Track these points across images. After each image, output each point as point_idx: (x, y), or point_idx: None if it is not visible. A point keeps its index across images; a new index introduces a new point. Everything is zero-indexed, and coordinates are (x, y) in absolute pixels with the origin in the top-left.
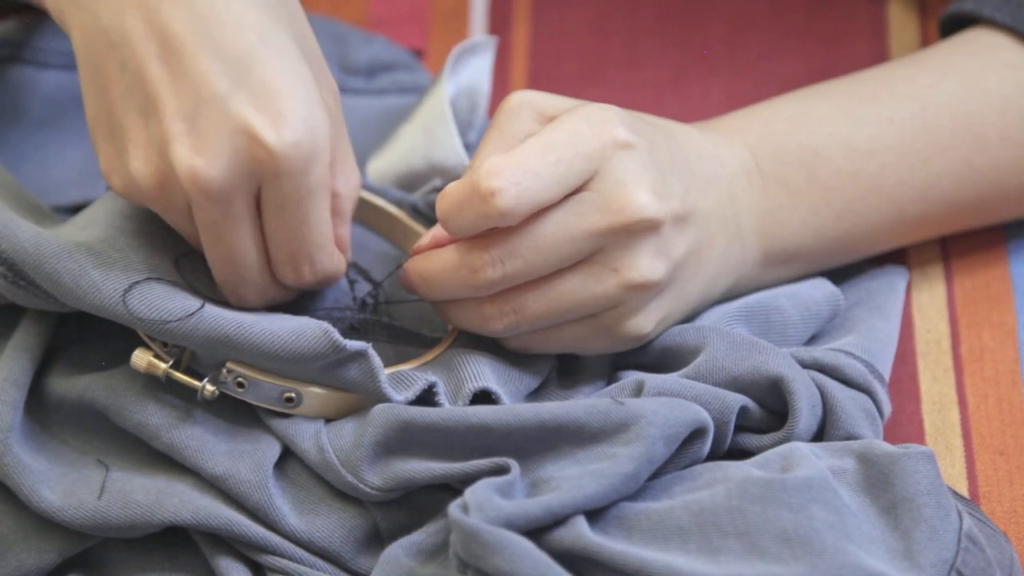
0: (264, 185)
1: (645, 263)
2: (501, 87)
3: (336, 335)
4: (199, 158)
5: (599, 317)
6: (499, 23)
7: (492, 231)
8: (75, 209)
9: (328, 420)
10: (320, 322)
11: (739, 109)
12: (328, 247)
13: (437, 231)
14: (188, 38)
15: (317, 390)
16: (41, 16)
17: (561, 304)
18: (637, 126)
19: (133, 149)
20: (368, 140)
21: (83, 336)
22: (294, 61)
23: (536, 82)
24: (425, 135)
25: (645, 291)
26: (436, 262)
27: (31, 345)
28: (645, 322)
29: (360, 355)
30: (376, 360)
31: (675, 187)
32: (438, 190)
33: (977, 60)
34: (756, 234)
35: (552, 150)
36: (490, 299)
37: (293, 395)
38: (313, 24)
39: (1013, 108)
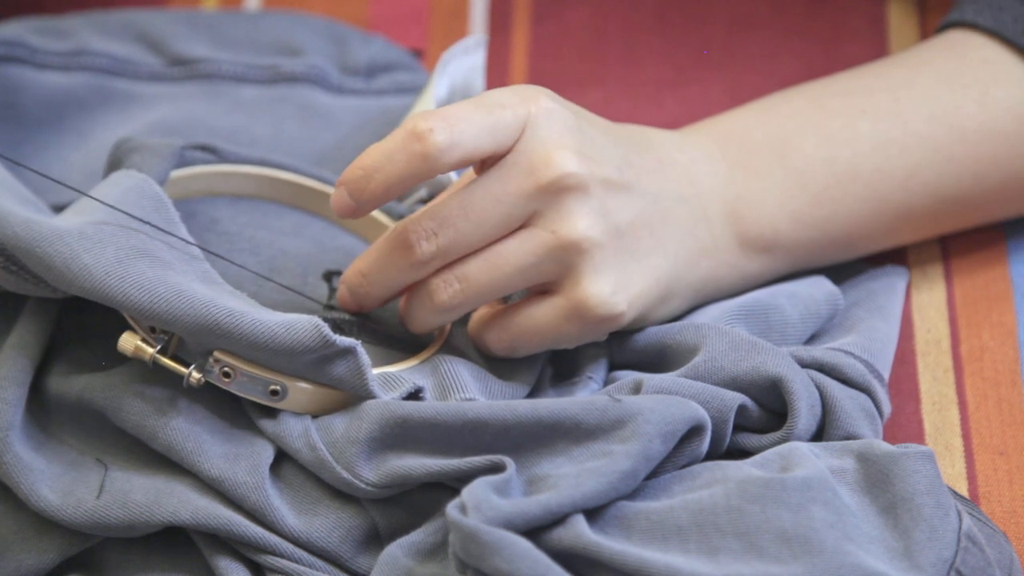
0: None
1: (580, 222)
2: (501, 87)
3: (326, 330)
4: None
5: (560, 294)
6: (499, 23)
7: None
8: None
9: (314, 417)
10: (311, 316)
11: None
12: None
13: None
14: None
15: (303, 385)
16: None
17: (503, 269)
18: (567, 103)
19: None
20: (367, 140)
21: (82, 336)
22: None
23: (536, 82)
24: None
25: (587, 252)
26: (370, 252)
27: (29, 343)
28: (610, 296)
29: (348, 352)
30: (364, 358)
31: (608, 155)
32: (423, 200)
33: (954, 56)
34: (725, 218)
35: (481, 105)
36: (435, 272)
37: (279, 388)
38: (313, 24)
39: (991, 100)
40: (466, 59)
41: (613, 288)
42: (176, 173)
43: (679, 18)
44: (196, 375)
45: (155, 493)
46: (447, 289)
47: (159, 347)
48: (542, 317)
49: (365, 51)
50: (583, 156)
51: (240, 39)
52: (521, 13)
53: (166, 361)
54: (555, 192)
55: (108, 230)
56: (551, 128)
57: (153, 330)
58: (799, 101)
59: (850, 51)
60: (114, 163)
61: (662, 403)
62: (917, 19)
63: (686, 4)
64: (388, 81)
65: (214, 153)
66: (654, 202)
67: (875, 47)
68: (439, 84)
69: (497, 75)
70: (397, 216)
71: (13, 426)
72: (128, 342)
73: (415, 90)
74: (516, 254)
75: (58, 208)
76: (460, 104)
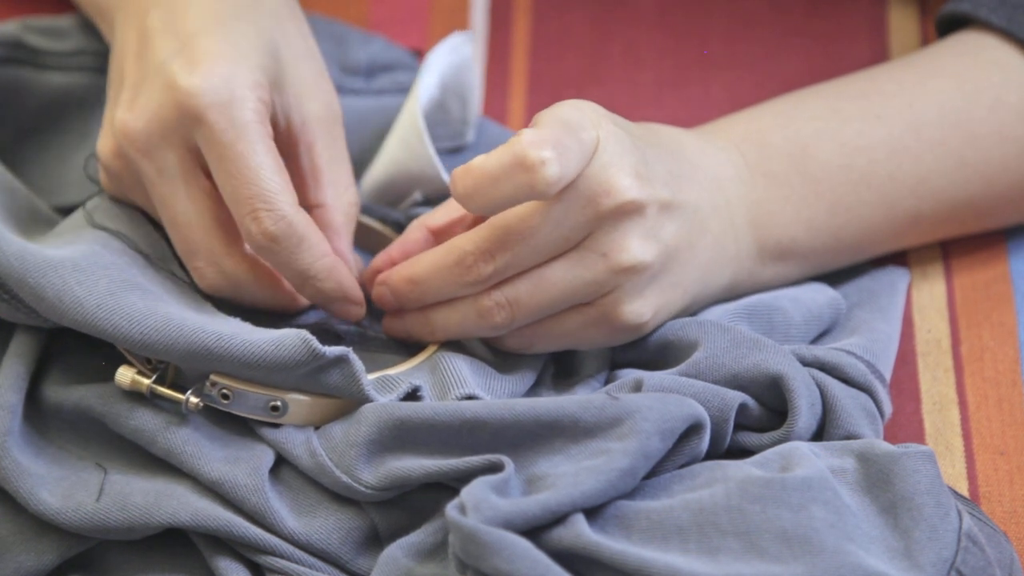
0: (196, 135)
1: (635, 245)
2: (501, 87)
3: (315, 342)
4: (130, 113)
5: (595, 305)
6: (499, 23)
7: (479, 225)
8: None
9: (316, 428)
10: (299, 331)
11: (724, 116)
12: (277, 202)
13: (408, 237)
14: (156, 29)
15: (302, 397)
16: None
17: (553, 293)
18: (616, 118)
19: (101, 132)
20: (367, 140)
21: (80, 343)
22: (238, 36)
23: (536, 82)
24: (402, 148)
25: (636, 274)
26: (424, 263)
27: (24, 351)
28: (642, 308)
29: (341, 360)
30: (357, 364)
31: (659, 172)
32: (419, 204)
33: (967, 59)
34: (748, 225)
35: (569, 128)
36: (486, 293)
37: (279, 403)
38: (313, 24)
39: (1003, 105)
40: (454, 57)
41: (647, 305)
42: None
43: (679, 18)
44: (194, 400)
45: (155, 495)
46: (500, 313)
47: (155, 377)
48: (569, 323)
49: (365, 51)
50: (642, 179)
51: None
52: (521, 13)
53: (163, 390)
54: (614, 217)
55: (101, 261)
56: (613, 153)
57: (149, 360)
58: (815, 105)
59: (850, 51)
60: None
61: (660, 401)
62: (917, 19)
63: (686, 4)
64: (388, 81)
65: None
66: (694, 214)
67: (875, 47)
68: (428, 83)
69: (497, 74)
70: (393, 222)
71: (11, 431)
72: (124, 375)
73: None
74: (566, 279)
75: (60, 210)
76: (554, 128)
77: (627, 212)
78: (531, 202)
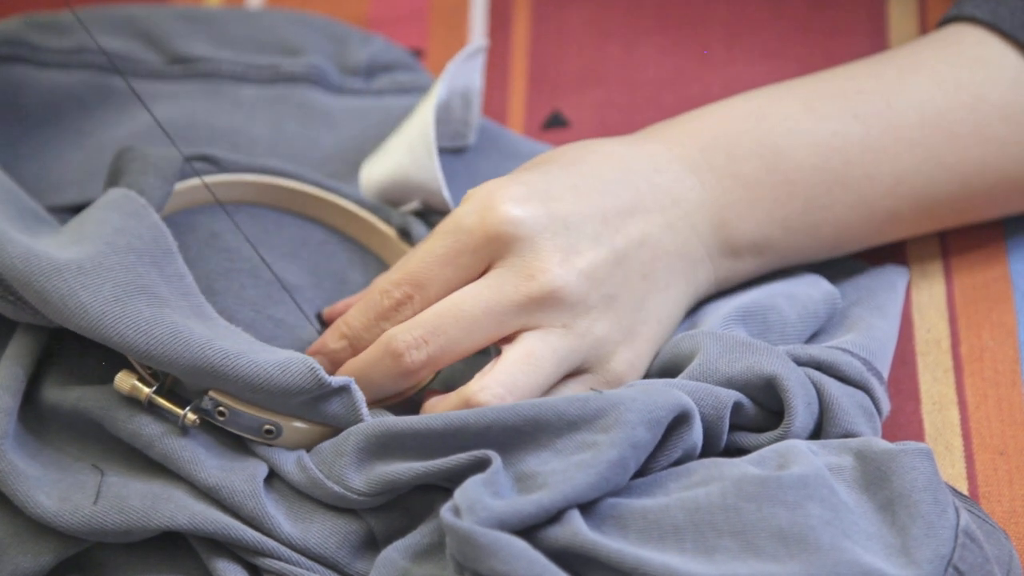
0: None
1: (591, 318)
2: (501, 87)
3: (321, 371)
4: None
5: (587, 371)
6: (499, 23)
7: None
8: (74, 209)
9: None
10: (306, 357)
11: (698, 108)
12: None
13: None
14: None
15: (298, 424)
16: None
17: (546, 370)
18: (530, 188)
19: None
20: (367, 141)
21: (78, 345)
22: None
23: (536, 82)
24: (409, 154)
25: (605, 340)
26: (354, 361)
27: (22, 353)
28: (626, 355)
29: (343, 390)
30: (359, 394)
31: (589, 229)
32: (417, 213)
33: (948, 55)
34: (714, 228)
35: (437, 246)
36: (479, 377)
37: (273, 428)
38: (313, 24)
39: (984, 103)
40: (469, 63)
41: (627, 350)
42: (176, 186)
43: (679, 18)
44: (191, 417)
45: (152, 498)
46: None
47: (156, 386)
48: (570, 391)
49: (365, 51)
50: (569, 254)
51: (240, 38)
52: (521, 13)
53: (161, 401)
54: (550, 303)
55: (107, 263)
56: (531, 240)
57: (150, 367)
58: (790, 103)
59: (850, 50)
60: (115, 173)
61: (644, 392)
62: (917, 17)
63: (686, 4)
64: (388, 81)
65: (214, 164)
66: (640, 246)
67: (875, 45)
68: (440, 89)
69: (497, 75)
70: (398, 226)
71: (7, 434)
72: (124, 381)
73: (415, 90)
74: (556, 351)
75: (55, 210)
76: (418, 256)
77: (562, 300)
78: (464, 290)
